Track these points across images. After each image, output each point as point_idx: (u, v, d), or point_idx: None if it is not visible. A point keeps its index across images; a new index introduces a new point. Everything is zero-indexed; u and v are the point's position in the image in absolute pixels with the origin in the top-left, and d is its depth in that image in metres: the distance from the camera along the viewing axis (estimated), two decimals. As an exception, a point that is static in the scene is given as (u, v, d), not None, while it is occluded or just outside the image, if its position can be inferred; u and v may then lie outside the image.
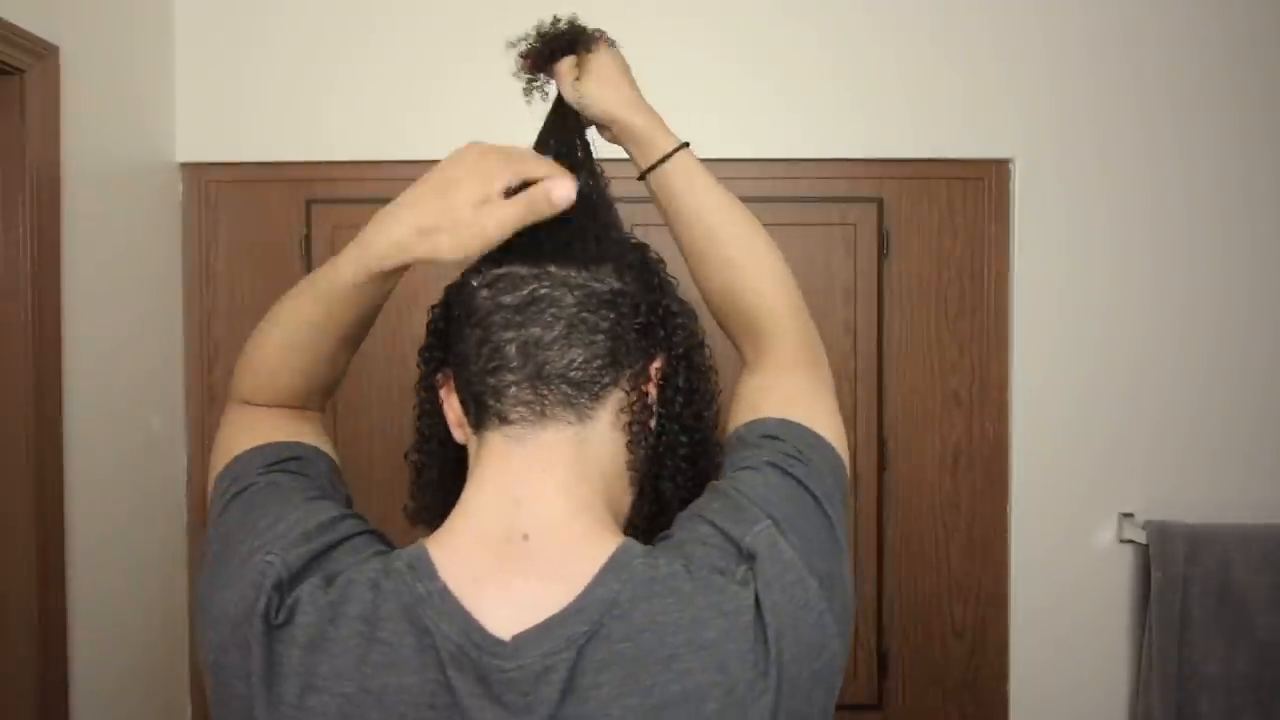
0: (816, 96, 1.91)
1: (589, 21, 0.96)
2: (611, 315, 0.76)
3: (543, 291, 0.75)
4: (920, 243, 1.93)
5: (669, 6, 1.90)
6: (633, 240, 0.84)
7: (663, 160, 0.92)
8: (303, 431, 0.87)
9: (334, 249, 1.86)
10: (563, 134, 0.92)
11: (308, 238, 1.91)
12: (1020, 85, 1.91)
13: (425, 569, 0.71)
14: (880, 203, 1.92)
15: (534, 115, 0.96)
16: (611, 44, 0.95)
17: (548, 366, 0.74)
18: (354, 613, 0.69)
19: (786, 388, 0.87)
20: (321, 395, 0.92)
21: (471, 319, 0.76)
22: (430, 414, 0.86)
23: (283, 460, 0.82)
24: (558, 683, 0.67)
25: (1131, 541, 1.91)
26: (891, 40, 1.91)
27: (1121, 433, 1.92)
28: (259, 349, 0.88)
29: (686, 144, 0.93)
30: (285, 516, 0.75)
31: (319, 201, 1.90)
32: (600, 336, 0.75)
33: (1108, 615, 1.93)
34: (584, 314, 0.75)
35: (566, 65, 0.91)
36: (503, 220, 0.75)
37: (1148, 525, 1.86)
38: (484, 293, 0.76)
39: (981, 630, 1.95)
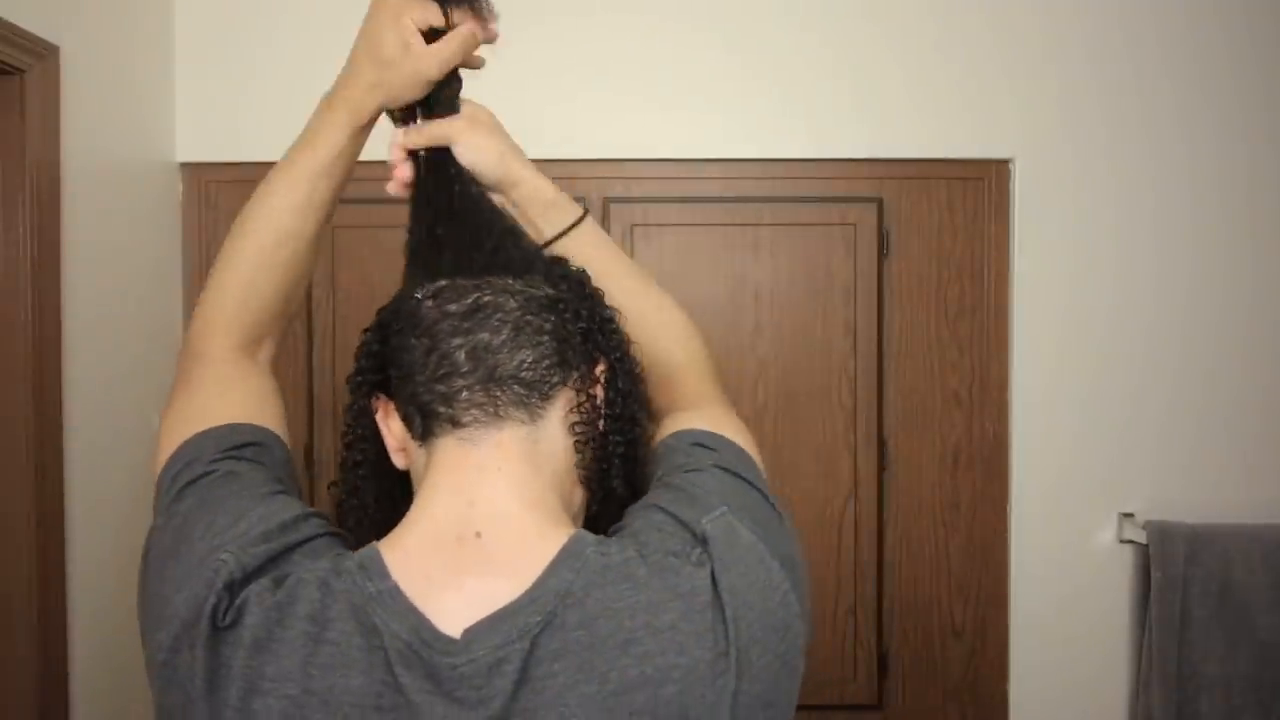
0: (816, 96, 1.91)
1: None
2: (553, 318, 0.78)
3: (486, 298, 0.77)
4: (920, 243, 1.93)
5: (669, 7, 1.90)
6: (548, 254, 0.88)
7: (573, 226, 0.94)
8: (258, 404, 0.87)
9: (333, 249, 1.87)
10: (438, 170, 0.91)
11: (308, 238, 1.91)
12: (1020, 85, 1.91)
13: (377, 568, 0.70)
14: (880, 203, 1.92)
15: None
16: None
17: (499, 369, 0.75)
18: (302, 613, 0.68)
19: (704, 416, 0.90)
20: (287, 312, 0.94)
21: (417, 330, 0.77)
22: (363, 440, 0.85)
23: (239, 446, 0.81)
24: (511, 674, 0.67)
25: (1132, 542, 1.91)
26: (892, 41, 1.91)
27: (1122, 433, 1.92)
28: (233, 263, 0.91)
29: (586, 209, 0.96)
30: (246, 514, 0.74)
31: (319, 201, 1.90)
32: (545, 338, 0.77)
33: (1108, 615, 1.93)
34: (528, 316, 0.77)
35: (456, 125, 0.90)
36: (441, 59, 0.87)
37: (1148, 525, 1.86)
38: (429, 303, 0.78)
39: (981, 630, 1.95)
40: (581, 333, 0.80)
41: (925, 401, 1.94)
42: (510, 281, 0.79)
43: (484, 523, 0.73)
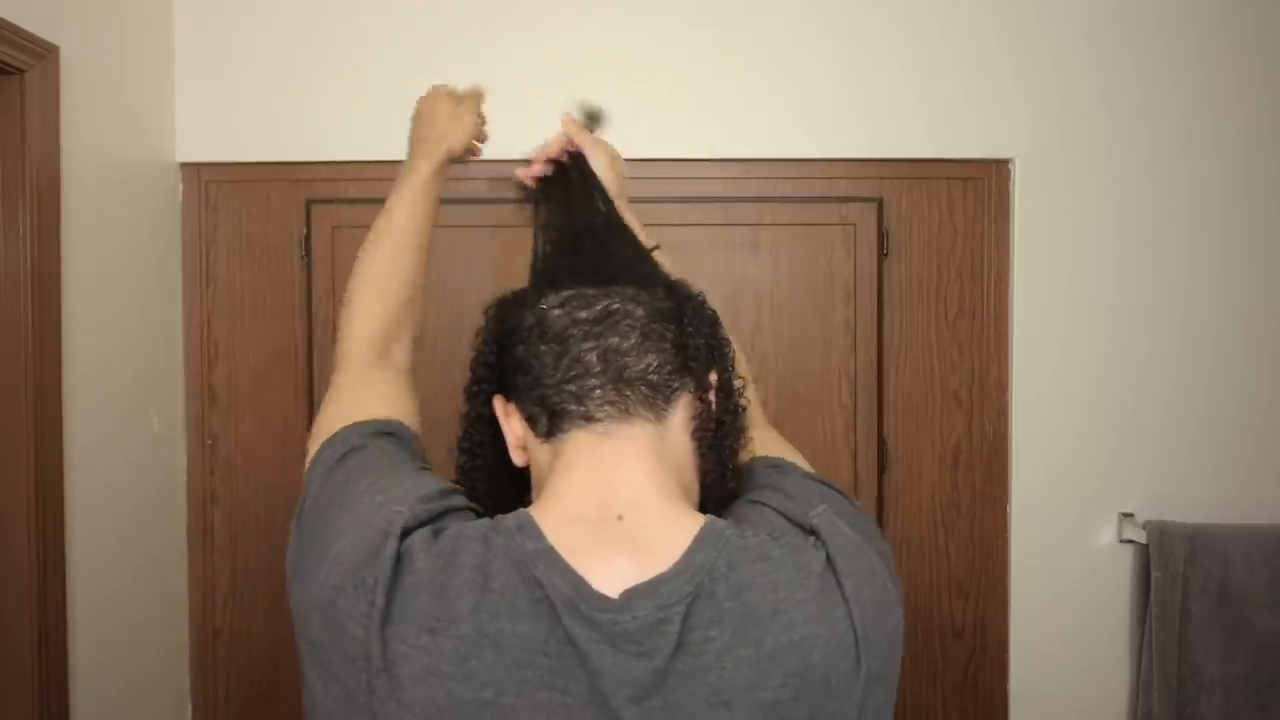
0: (817, 96, 1.91)
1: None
2: (674, 328, 0.85)
3: (615, 306, 0.84)
4: (920, 243, 1.93)
5: (670, 6, 1.90)
6: (669, 275, 0.95)
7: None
8: (383, 401, 0.96)
9: (334, 249, 1.88)
10: (575, 179, 1.09)
11: (308, 238, 1.91)
12: (1021, 85, 1.91)
13: (532, 530, 0.76)
14: (880, 203, 1.92)
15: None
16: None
17: (628, 370, 0.82)
18: (467, 563, 0.74)
19: (766, 442, 1.00)
20: (408, 317, 1.07)
21: (545, 337, 0.84)
22: (481, 445, 0.93)
23: (385, 433, 0.90)
24: (672, 634, 0.72)
25: (1131, 541, 1.91)
26: (892, 40, 1.91)
27: (1122, 432, 1.92)
28: (357, 276, 1.08)
29: (658, 245, 1.08)
30: (403, 481, 0.82)
31: (319, 201, 1.90)
32: (669, 345, 0.84)
33: (1108, 615, 1.93)
34: (653, 324, 0.84)
35: (600, 150, 1.15)
36: (466, 120, 1.24)
37: (1148, 525, 1.86)
38: (557, 311, 0.84)
39: (981, 630, 1.95)
40: (701, 346, 0.87)
41: (925, 401, 1.94)
42: (636, 292, 0.85)
43: (625, 507, 0.79)
